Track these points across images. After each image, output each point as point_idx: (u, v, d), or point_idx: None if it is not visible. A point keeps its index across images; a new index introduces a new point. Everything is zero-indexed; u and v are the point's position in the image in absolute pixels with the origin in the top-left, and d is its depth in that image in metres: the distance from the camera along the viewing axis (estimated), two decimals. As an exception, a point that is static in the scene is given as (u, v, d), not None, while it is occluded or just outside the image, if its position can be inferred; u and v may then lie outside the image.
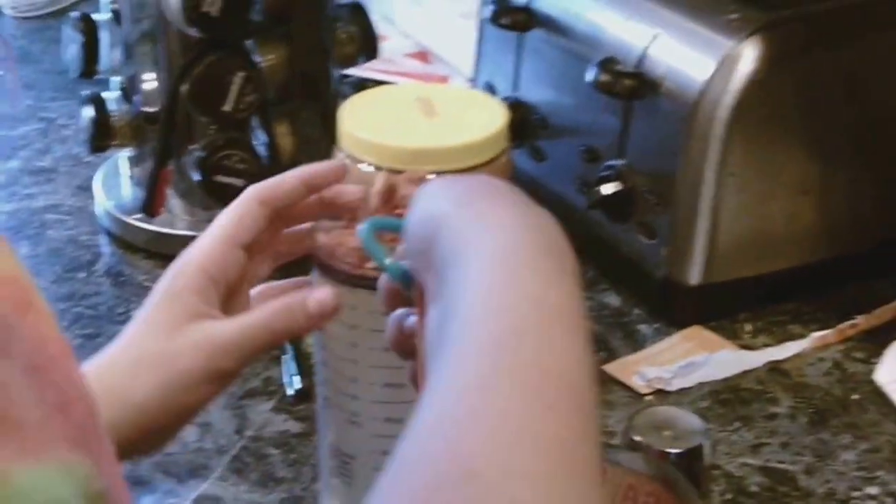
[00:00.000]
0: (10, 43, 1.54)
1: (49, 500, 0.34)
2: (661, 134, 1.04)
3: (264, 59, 1.11)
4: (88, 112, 1.15)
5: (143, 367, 0.68)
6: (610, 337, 1.04)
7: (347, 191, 0.73)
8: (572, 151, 1.13)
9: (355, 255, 0.71)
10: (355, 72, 1.33)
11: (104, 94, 1.16)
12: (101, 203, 1.21)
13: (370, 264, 0.69)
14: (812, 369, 1.01)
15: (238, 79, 1.07)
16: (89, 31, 1.15)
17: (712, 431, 0.91)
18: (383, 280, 0.57)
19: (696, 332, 1.05)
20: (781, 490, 0.89)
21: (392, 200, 0.71)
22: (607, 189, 1.07)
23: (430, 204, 0.52)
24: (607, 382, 0.98)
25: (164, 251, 1.09)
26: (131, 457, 0.72)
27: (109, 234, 1.19)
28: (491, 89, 1.21)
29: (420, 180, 0.69)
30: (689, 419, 0.81)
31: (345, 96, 0.83)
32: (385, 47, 1.32)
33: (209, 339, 0.68)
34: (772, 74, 1.00)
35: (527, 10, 1.15)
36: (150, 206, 1.15)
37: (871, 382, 0.99)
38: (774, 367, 1.01)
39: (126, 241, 1.18)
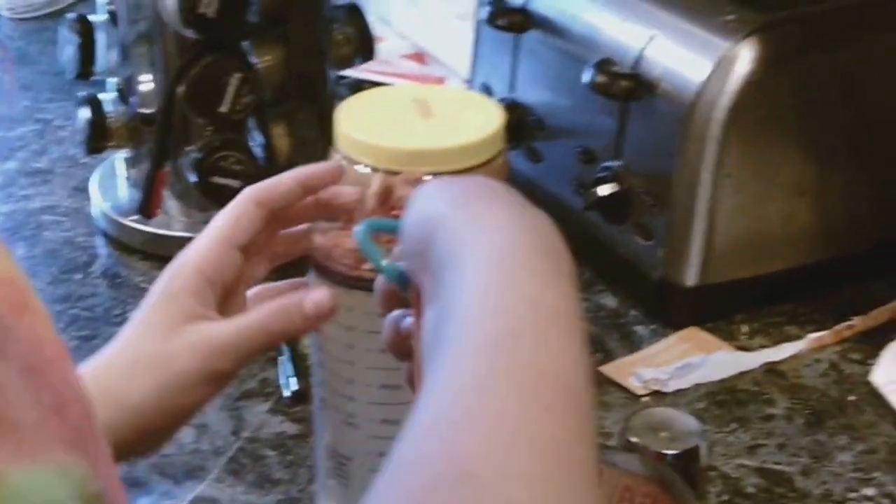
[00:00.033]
0: (6, 44, 1.54)
1: (45, 501, 0.34)
2: (658, 135, 1.04)
3: (261, 60, 1.11)
4: (85, 113, 1.15)
5: (140, 368, 0.68)
6: (606, 338, 1.04)
7: (344, 192, 0.73)
8: (569, 153, 1.13)
9: (352, 256, 0.71)
10: (352, 73, 1.33)
11: (101, 96, 1.16)
12: (98, 204, 1.21)
13: (367, 266, 0.69)
14: (808, 370, 1.01)
15: (234, 80, 1.07)
16: (86, 32, 1.15)
17: (709, 432, 0.92)
18: (380, 281, 0.57)
19: (693, 334, 1.05)
20: (778, 491, 0.89)
21: (388, 202, 0.71)
22: (604, 190, 1.07)
23: (427, 205, 0.52)
24: (604, 384, 0.98)
25: (160, 252, 1.09)
26: (128, 458, 0.72)
27: (106, 235, 1.19)
28: (487, 90, 1.21)
29: (416, 182, 0.69)
30: (685, 420, 0.81)
31: (341, 98, 0.83)
32: (382, 49, 1.32)
33: (206, 341, 0.68)
34: (768, 76, 1.00)
35: (523, 12, 1.15)
36: (147, 208, 1.15)
37: (868, 384, 0.99)
38: (771, 369, 1.01)
39: (122, 243, 1.18)
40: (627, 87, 1.04)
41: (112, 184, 1.22)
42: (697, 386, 0.99)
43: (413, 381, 0.53)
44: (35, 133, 1.39)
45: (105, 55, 1.16)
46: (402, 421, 0.43)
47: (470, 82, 1.27)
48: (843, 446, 0.93)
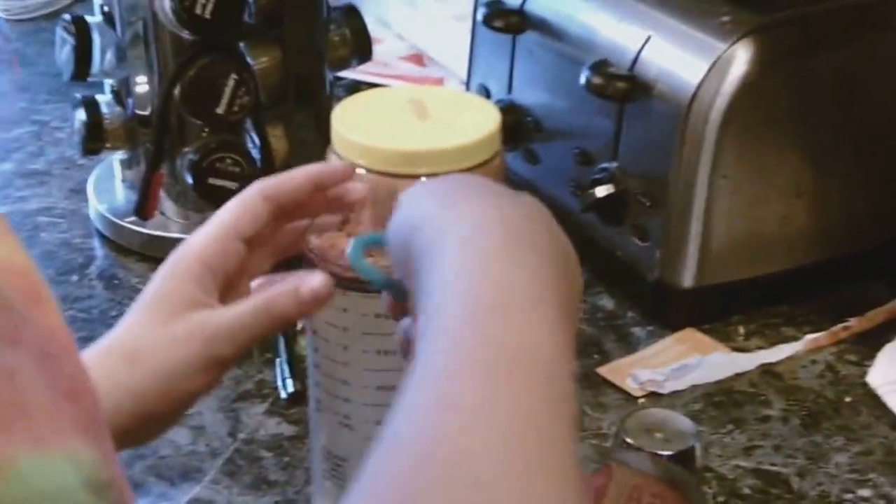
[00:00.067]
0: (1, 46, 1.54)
1: (55, 487, 0.34)
2: (654, 136, 1.04)
3: (257, 61, 1.11)
4: (81, 115, 1.15)
5: (140, 355, 0.69)
6: (603, 339, 1.04)
7: (354, 189, 0.73)
8: (566, 154, 1.13)
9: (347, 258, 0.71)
10: (349, 74, 1.33)
11: (97, 97, 1.16)
12: (95, 206, 1.21)
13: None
14: (805, 372, 1.01)
15: (231, 81, 1.07)
16: (82, 33, 1.15)
17: (705, 434, 0.92)
18: (385, 294, 0.57)
19: (690, 335, 1.05)
20: (774, 492, 0.89)
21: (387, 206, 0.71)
22: (601, 192, 1.06)
23: (409, 210, 0.54)
24: (600, 385, 0.98)
25: (157, 254, 1.08)
26: (128, 446, 0.72)
27: (102, 237, 1.19)
28: (485, 92, 1.21)
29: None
30: (680, 421, 0.81)
31: (338, 99, 0.83)
32: (379, 50, 1.32)
33: (206, 327, 0.69)
34: (764, 77, 1.00)
35: (520, 13, 1.15)
36: (144, 209, 1.15)
37: (864, 385, 0.99)
38: (767, 370, 1.01)
39: (119, 245, 1.18)
40: (624, 88, 1.04)
41: (109, 185, 1.22)
42: (694, 387, 0.99)
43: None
44: (31, 134, 1.39)
45: (101, 57, 1.16)
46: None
47: (467, 84, 1.27)
48: (840, 447, 0.93)
